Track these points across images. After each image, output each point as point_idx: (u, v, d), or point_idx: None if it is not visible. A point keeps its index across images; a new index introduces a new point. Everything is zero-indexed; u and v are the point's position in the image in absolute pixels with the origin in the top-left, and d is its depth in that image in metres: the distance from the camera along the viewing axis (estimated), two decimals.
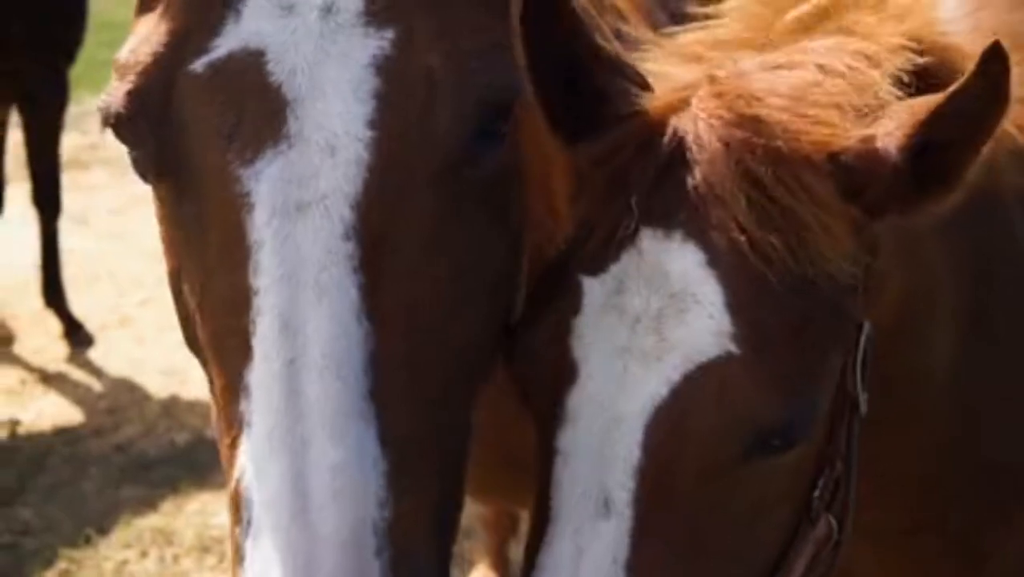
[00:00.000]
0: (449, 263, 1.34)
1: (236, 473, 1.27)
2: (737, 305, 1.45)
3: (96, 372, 5.72)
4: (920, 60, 1.66)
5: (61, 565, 4.33)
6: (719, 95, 1.53)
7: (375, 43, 1.29)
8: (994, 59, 1.42)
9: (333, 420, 1.23)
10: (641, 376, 1.45)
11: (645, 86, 1.56)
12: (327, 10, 1.30)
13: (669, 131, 1.52)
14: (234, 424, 1.29)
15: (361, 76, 1.28)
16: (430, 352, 1.33)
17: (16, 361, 5.88)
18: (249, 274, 1.28)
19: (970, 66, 1.43)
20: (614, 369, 1.45)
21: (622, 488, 1.43)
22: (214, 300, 1.33)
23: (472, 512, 4.35)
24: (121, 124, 1.37)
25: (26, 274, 6.16)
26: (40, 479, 4.87)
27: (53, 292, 5.97)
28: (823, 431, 1.57)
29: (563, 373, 1.47)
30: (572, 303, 1.48)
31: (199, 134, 1.32)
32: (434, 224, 1.32)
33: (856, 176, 1.49)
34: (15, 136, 6.20)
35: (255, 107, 1.29)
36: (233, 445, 1.29)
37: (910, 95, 1.58)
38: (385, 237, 1.28)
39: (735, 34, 1.71)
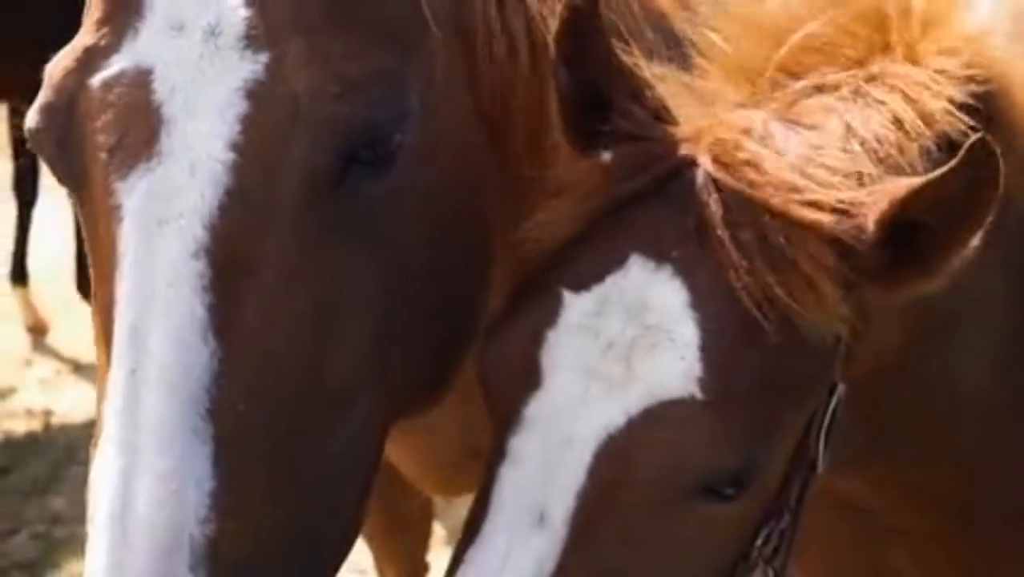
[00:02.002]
0: (313, 293, 1.33)
1: (92, 470, 1.31)
2: (711, 351, 1.45)
3: None
4: (977, 89, 1.64)
5: None
6: (727, 142, 1.53)
7: (249, 67, 1.30)
8: (980, 152, 1.40)
9: (163, 432, 1.24)
10: (601, 401, 1.45)
11: (663, 116, 1.58)
12: (211, 32, 1.31)
13: (678, 166, 1.53)
14: (99, 424, 1.33)
15: (230, 99, 1.29)
16: (288, 381, 1.32)
17: (50, 351, 5.92)
18: (115, 283, 1.31)
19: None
20: (577, 389, 1.46)
21: (561, 505, 1.44)
22: (97, 305, 1.38)
23: None
24: (35, 137, 1.41)
25: (59, 264, 6.21)
26: (73, 469, 4.90)
27: (87, 281, 5.98)
28: (775, 484, 1.57)
29: (528, 381, 1.48)
30: (550, 315, 1.49)
31: (91, 148, 1.35)
32: (295, 252, 1.32)
33: (843, 240, 1.48)
34: None
35: (137, 124, 1.32)
36: (96, 444, 1.33)
37: (967, 134, 1.55)
38: (240, 260, 1.29)
39: (749, 61, 1.69)
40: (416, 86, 1.42)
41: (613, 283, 1.49)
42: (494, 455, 1.51)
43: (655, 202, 1.52)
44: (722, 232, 1.46)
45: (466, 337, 1.63)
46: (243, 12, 1.31)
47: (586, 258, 1.51)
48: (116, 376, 1.28)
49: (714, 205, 1.47)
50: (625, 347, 1.46)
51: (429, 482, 2.64)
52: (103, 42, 1.36)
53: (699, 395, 1.44)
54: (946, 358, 1.80)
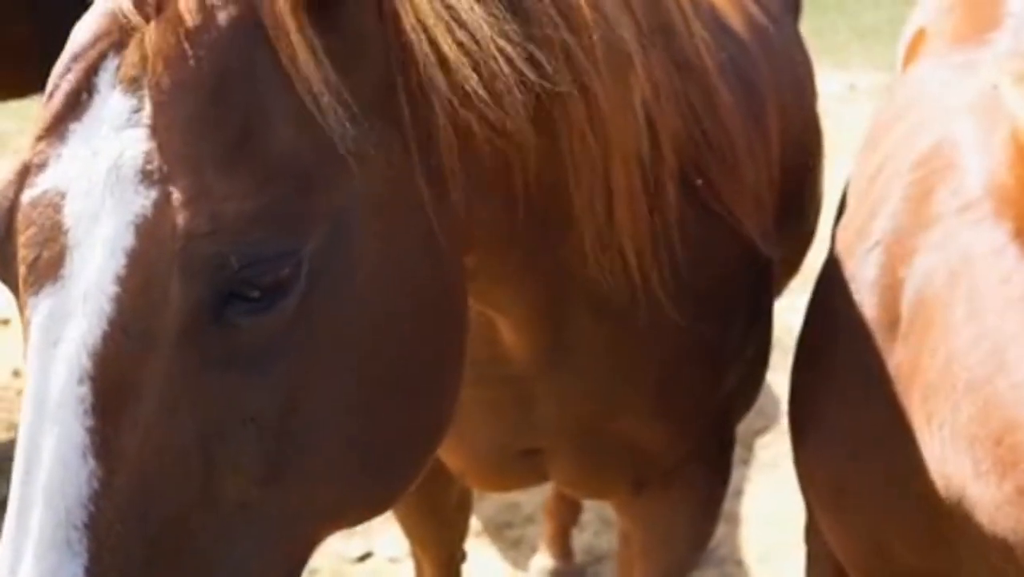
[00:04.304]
0: (194, 421, 1.37)
1: None
2: None
3: None
4: None
5: None
6: None
7: (140, 201, 1.34)
8: None
9: (41, 540, 1.30)
10: None
11: None
12: (115, 163, 1.36)
13: None
14: None
15: (120, 233, 1.34)
16: (169, 504, 1.37)
17: None
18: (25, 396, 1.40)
19: None
20: None
21: None
22: None
23: (535, 500, 4.41)
24: None
25: None
26: None
27: None
28: None
29: None
30: None
31: (19, 260, 1.42)
32: (174, 382, 1.36)
33: None
34: None
35: (50, 245, 1.38)
36: None
37: None
38: (119, 387, 1.34)
39: None
40: (325, 217, 1.42)
41: None
42: None
43: None
44: None
45: (421, 442, 1.63)
46: (143, 146, 1.36)
47: None
48: (14, 478, 1.35)
49: None
50: None
51: (473, 477, 2.68)
52: (36, 159, 1.43)
53: None
54: None
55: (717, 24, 2.41)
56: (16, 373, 5.27)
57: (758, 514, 4.39)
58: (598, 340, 2.13)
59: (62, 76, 1.44)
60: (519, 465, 2.50)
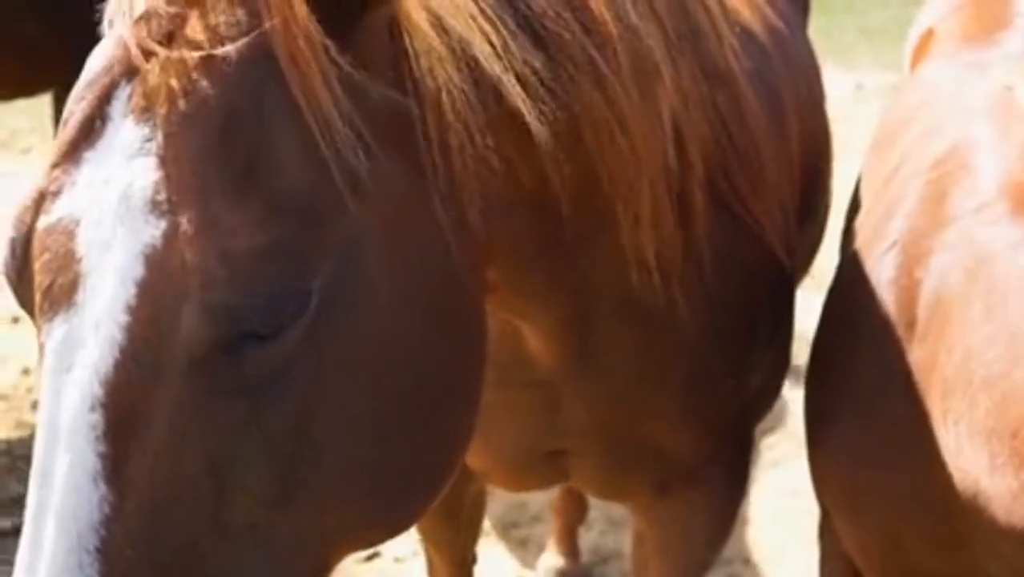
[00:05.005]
0: (205, 449, 1.38)
1: None
2: None
3: None
4: None
5: None
6: None
7: (150, 232, 1.35)
8: None
9: (55, 563, 1.32)
10: None
11: None
12: (126, 192, 1.37)
13: None
14: None
15: (131, 262, 1.35)
16: (180, 530, 1.38)
17: None
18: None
19: None
20: None
21: None
22: None
23: (542, 499, 4.42)
24: (5, 266, 1.49)
25: None
26: None
27: None
28: None
29: None
30: None
31: (34, 286, 1.44)
32: (184, 411, 1.37)
33: None
34: None
35: (64, 272, 1.39)
36: None
37: None
38: (130, 415, 1.35)
39: None
40: (335, 250, 1.42)
41: None
42: None
43: None
44: None
45: (438, 464, 1.63)
46: (153, 175, 1.36)
47: None
48: (30, 502, 1.37)
49: None
50: None
51: (499, 477, 2.68)
52: (52, 187, 1.44)
53: None
54: None
55: (740, 28, 2.41)
56: (25, 371, 5.27)
57: (765, 514, 4.40)
58: (624, 346, 2.13)
59: (77, 103, 1.45)
60: (544, 466, 2.51)
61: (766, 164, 2.29)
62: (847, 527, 2.25)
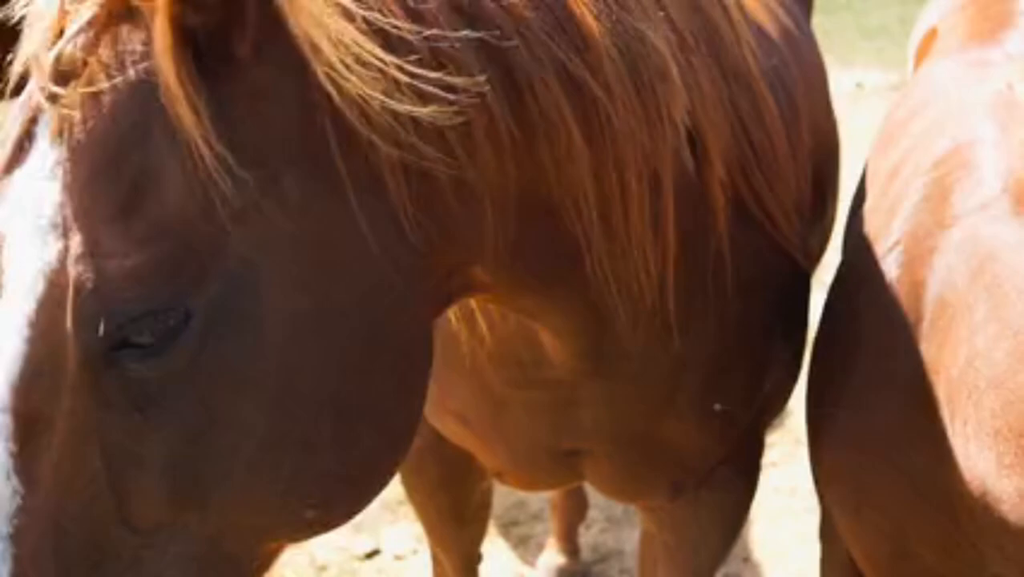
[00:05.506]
0: (101, 452, 1.48)
1: None
2: None
3: None
4: None
5: None
6: None
7: (49, 251, 1.45)
8: None
9: None
10: None
11: None
12: (37, 213, 1.47)
13: None
14: None
15: (34, 279, 1.46)
16: (84, 522, 1.48)
17: None
18: None
19: None
20: None
21: None
22: None
23: (542, 498, 4.42)
24: None
25: None
26: None
27: None
28: None
29: None
30: None
31: None
32: (78, 416, 1.47)
33: None
34: None
35: None
36: None
37: None
38: (36, 418, 1.46)
39: None
40: (217, 272, 1.48)
41: None
42: None
43: None
44: None
45: (362, 476, 1.67)
46: (57, 198, 1.46)
47: None
48: None
49: None
50: None
51: (513, 477, 2.69)
52: None
53: None
54: None
55: (756, 29, 2.41)
56: None
57: (764, 513, 4.40)
58: (638, 347, 2.12)
59: (12, 122, 1.54)
60: (559, 466, 2.51)
61: (783, 165, 2.30)
62: (850, 527, 2.24)
